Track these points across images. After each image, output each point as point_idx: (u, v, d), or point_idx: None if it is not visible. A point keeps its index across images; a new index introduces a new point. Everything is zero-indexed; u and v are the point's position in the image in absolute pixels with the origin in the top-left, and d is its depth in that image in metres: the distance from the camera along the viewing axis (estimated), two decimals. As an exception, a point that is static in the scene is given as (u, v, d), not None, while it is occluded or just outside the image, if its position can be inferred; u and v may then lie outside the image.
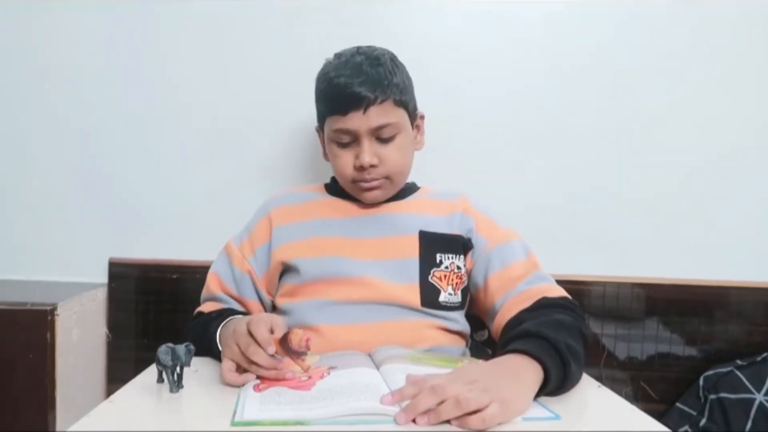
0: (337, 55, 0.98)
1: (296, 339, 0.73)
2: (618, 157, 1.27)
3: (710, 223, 1.28)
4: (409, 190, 1.04)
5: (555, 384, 0.71)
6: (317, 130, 1.04)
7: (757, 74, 1.27)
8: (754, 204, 1.29)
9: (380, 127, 0.92)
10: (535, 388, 0.69)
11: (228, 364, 0.76)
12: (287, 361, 0.75)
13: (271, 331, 0.75)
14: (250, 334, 0.75)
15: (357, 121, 0.91)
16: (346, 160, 0.94)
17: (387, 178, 0.95)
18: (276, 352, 0.74)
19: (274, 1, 1.24)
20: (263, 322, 0.75)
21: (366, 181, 0.94)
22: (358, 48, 0.97)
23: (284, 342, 0.74)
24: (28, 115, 1.26)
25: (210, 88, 1.25)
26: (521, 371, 0.70)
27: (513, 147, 1.27)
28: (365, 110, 0.90)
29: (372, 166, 0.93)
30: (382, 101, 0.91)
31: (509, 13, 1.25)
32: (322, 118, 0.99)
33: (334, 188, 1.04)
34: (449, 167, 1.23)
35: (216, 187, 1.26)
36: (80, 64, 1.25)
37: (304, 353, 0.75)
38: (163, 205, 1.26)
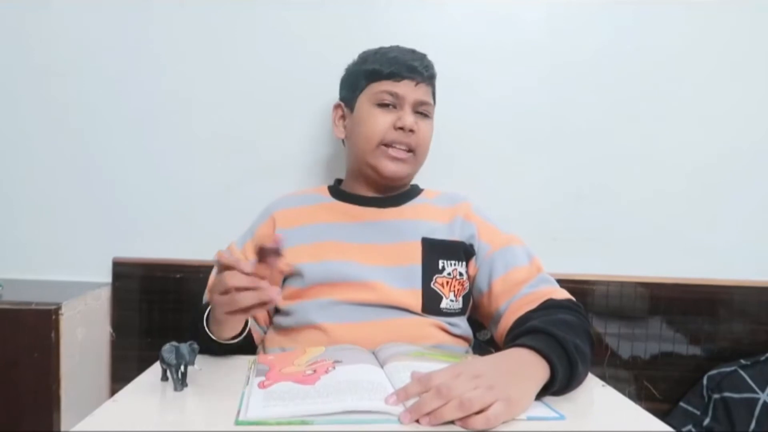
0: (381, 47, 1.03)
1: (269, 242, 0.72)
2: (621, 156, 1.27)
3: (713, 222, 1.28)
4: (412, 193, 1.04)
5: (561, 383, 0.70)
6: (335, 107, 1.06)
7: (759, 74, 1.27)
8: (757, 203, 1.29)
9: (423, 103, 0.99)
10: (540, 386, 0.69)
11: (231, 317, 0.76)
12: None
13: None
14: (219, 271, 0.74)
15: (407, 89, 0.97)
16: (385, 120, 0.97)
17: (413, 151, 0.98)
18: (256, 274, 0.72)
19: (279, 2, 1.24)
20: (222, 253, 0.75)
21: (399, 144, 0.97)
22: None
23: (260, 255, 0.72)
24: (33, 115, 1.26)
25: (214, 87, 1.25)
26: (528, 368, 0.69)
27: (515, 146, 1.27)
28: (417, 83, 0.97)
29: (411, 131, 0.96)
30: (429, 84, 1.00)
31: (511, 13, 1.25)
32: (359, 88, 1.00)
33: (338, 191, 1.04)
34: (451, 167, 1.23)
35: (220, 186, 1.26)
36: (85, 64, 1.25)
37: (279, 250, 0.72)
38: (167, 205, 1.27)
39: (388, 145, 0.97)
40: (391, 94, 0.97)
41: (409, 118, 0.96)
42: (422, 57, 1.00)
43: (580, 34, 1.26)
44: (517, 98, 1.26)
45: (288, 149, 1.26)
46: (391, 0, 1.24)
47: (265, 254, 0.73)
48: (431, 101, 1.01)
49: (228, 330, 0.82)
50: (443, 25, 1.25)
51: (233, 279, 0.72)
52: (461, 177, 1.25)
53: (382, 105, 0.97)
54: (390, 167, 0.97)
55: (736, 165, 1.28)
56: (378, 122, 0.97)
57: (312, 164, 1.26)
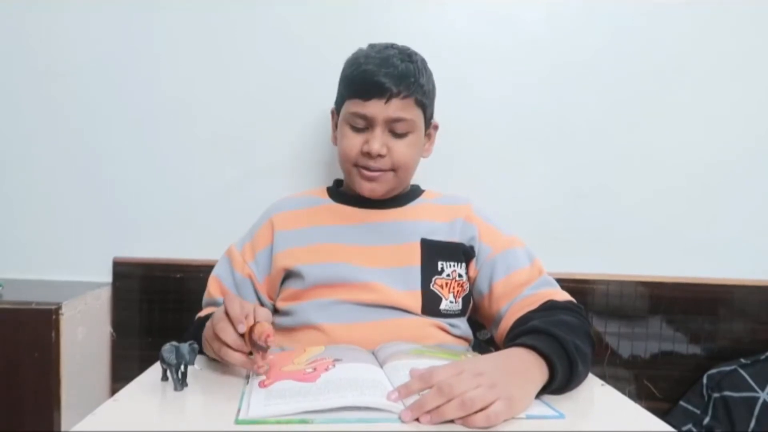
0: (371, 45, 0.98)
1: (258, 330, 0.70)
2: (621, 155, 1.27)
3: (714, 221, 1.28)
4: (412, 194, 1.04)
5: (560, 383, 0.71)
6: (332, 112, 1.04)
7: (761, 74, 1.27)
8: (758, 202, 1.29)
9: (397, 120, 0.93)
10: (540, 386, 0.69)
11: (210, 351, 0.77)
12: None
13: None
14: (226, 313, 0.74)
15: (376, 108, 0.91)
16: (354, 142, 0.94)
17: (391, 170, 0.95)
18: (246, 342, 0.72)
19: (279, 2, 1.24)
20: (237, 300, 0.74)
21: (369, 169, 0.94)
22: (393, 44, 0.98)
23: (250, 333, 0.72)
24: (33, 116, 1.26)
25: (214, 88, 1.25)
26: (529, 368, 0.70)
27: (516, 146, 1.27)
28: (387, 101, 0.91)
29: (379, 155, 0.93)
30: (405, 97, 0.92)
31: (511, 13, 1.25)
32: (341, 100, 0.98)
33: (337, 192, 1.04)
34: (451, 167, 1.23)
35: (219, 187, 1.27)
36: (85, 66, 1.25)
37: (265, 349, 0.72)
38: (167, 205, 1.27)
39: (361, 166, 0.95)
40: (361, 116, 0.93)
41: (375, 144, 0.92)
42: (397, 67, 0.91)
43: (580, 34, 1.26)
44: (517, 98, 1.26)
45: (288, 149, 1.26)
46: (391, 1, 1.24)
47: (250, 339, 0.72)
48: (409, 116, 0.93)
49: (207, 352, 0.80)
50: (443, 25, 1.25)
51: (223, 332, 0.72)
52: (461, 177, 1.25)
53: (354, 127, 0.95)
54: (366, 187, 0.96)
55: (736, 165, 1.28)
56: (349, 145, 0.95)
57: (312, 164, 1.26)
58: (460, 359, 0.76)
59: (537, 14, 1.25)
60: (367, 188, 0.96)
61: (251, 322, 0.72)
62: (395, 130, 0.94)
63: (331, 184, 1.10)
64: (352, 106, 0.94)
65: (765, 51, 1.27)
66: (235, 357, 0.73)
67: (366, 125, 0.94)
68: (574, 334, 0.76)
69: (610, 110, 1.27)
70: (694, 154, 1.28)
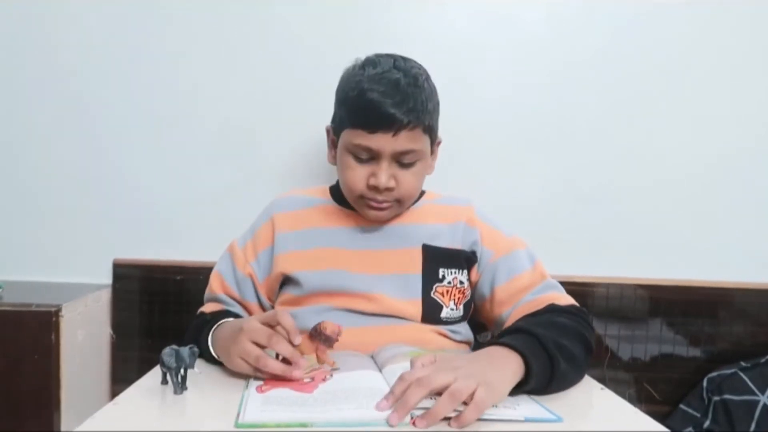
0: (371, 63, 0.91)
1: (330, 327, 0.76)
2: (621, 157, 1.27)
3: (713, 223, 1.28)
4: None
5: (540, 380, 0.71)
6: (327, 130, 0.99)
7: (760, 74, 1.27)
8: (757, 203, 1.28)
9: (405, 152, 0.88)
10: (516, 376, 0.69)
11: (244, 364, 0.76)
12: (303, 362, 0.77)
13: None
14: (269, 325, 0.76)
15: (383, 141, 0.86)
16: (360, 175, 0.90)
17: (397, 201, 0.93)
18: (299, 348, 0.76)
19: (279, 2, 1.24)
20: (287, 314, 0.76)
21: (376, 201, 0.91)
22: (394, 60, 0.91)
23: (313, 334, 0.77)
24: (33, 117, 1.26)
25: (216, 90, 1.26)
26: (504, 361, 0.70)
27: (515, 146, 1.27)
28: (395, 133, 0.86)
29: (387, 189, 0.89)
30: (414, 127, 0.87)
31: (511, 13, 1.25)
32: (341, 124, 0.92)
33: (339, 195, 1.02)
34: (452, 167, 1.23)
35: (220, 188, 1.27)
36: (86, 67, 1.25)
37: (333, 343, 0.77)
38: (167, 207, 1.27)
39: (368, 198, 0.91)
40: (365, 148, 0.87)
41: (382, 178, 0.87)
42: (405, 94, 0.86)
43: (580, 34, 1.25)
44: (517, 98, 1.26)
45: (288, 150, 1.26)
46: (391, 1, 1.24)
47: (318, 336, 0.77)
48: (417, 146, 0.88)
49: (233, 367, 0.79)
50: (443, 25, 1.25)
51: (280, 345, 0.74)
52: (461, 177, 1.25)
53: (357, 158, 0.89)
54: (371, 214, 0.93)
55: (736, 165, 1.28)
56: (354, 177, 0.90)
57: (313, 165, 1.26)
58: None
59: (537, 14, 1.25)
60: (372, 215, 0.93)
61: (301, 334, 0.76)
62: (402, 160, 0.89)
63: (334, 182, 1.09)
64: (356, 137, 0.88)
65: (765, 51, 1.26)
66: (281, 369, 0.73)
67: (370, 156, 0.89)
68: (561, 334, 0.76)
69: (610, 110, 1.27)
70: (694, 155, 1.27)
